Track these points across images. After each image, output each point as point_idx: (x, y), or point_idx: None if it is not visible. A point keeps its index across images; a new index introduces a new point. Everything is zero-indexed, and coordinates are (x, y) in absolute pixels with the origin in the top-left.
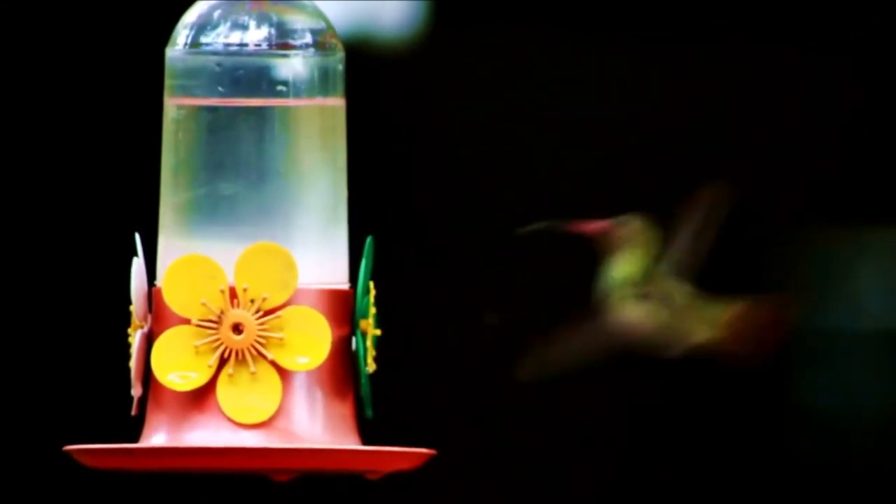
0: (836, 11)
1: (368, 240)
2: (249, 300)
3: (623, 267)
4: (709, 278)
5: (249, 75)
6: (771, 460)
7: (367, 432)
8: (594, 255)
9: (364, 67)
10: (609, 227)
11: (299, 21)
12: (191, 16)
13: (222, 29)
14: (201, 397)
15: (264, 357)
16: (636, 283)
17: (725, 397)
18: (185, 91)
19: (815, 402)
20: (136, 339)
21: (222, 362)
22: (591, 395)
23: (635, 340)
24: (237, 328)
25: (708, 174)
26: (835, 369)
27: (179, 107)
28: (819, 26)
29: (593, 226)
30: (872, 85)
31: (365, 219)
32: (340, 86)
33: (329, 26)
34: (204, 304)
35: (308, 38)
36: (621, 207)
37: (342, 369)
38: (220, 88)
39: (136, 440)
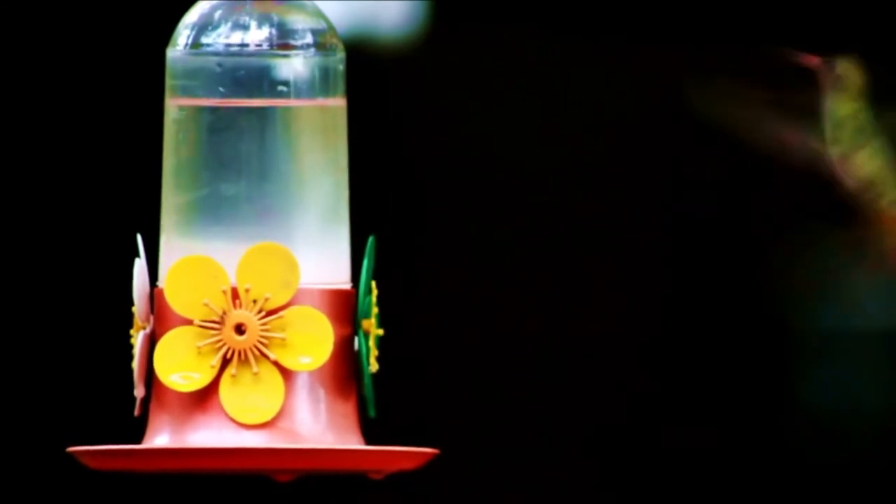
0: (837, 11)
1: (370, 239)
2: (252, 300)
3: (845, 107)
4: (709, 278)
5: (250, 76)
6: (771, 460)
7: (370, 432)
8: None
9: (365, 67)
10: (821, 64)
11: (300, 21)
12: (191, 16)
13: (223, 29)
14: (204, 398)
15: (267, 357)
16: (859, 128)
17: (725, 397)
18: (186, 91)
19: (815, 402)
20: (138, 340)
21: (225, 363)
22: (592, 394)
23: (845, 185)
24: (239, 328)
25: (707, 174)
26: (835, 369)
27: (180, 107)
28: (818, 26)
29: (811, 61)
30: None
31: (366, 218)
32: (341, 86)
33: (330, 26)
34: (206, 305)
35: (309, 39)
36: (621, 207)
37: (345, 369)
38: (220, 89)
39: (138, 441)
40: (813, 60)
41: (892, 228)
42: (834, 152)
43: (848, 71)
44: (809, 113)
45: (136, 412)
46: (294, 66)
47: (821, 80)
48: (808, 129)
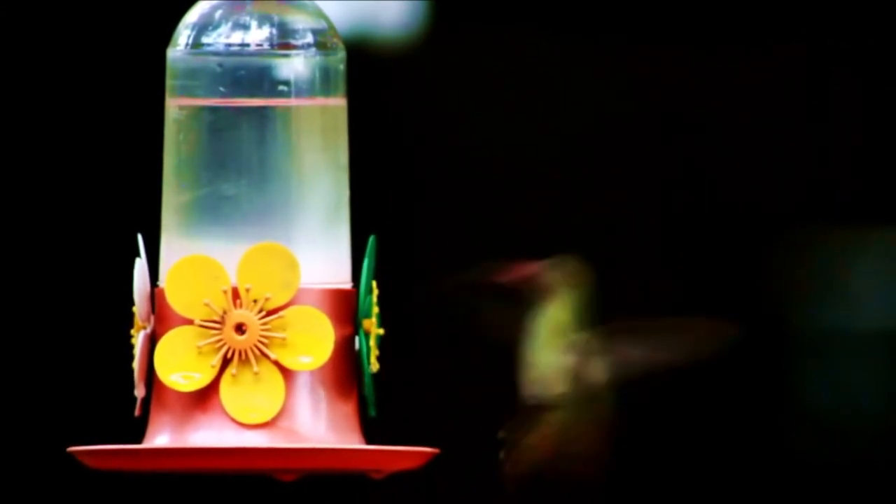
0: (836, 11)
1: (371, 239)
2: (252, 300)
3: (555, 313)
4: (709, 278)
5: (251, 75)
6: (771, 460)
7: (371, 432)
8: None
9: (365, 67)
10: (538, 271)
11: (300, 21)
12: (192, 16)
13: (223, 29)
14: (204, 398)
15: (267, 357)
16: (565, 333)
17: (725, 397)
18: (187, 91)
19: (815, 402)
20: (138, 339)
21: (225, 362)
22: None
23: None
24: (240, 328)
25: (707, 173)
26: (835, 369)
27: (181, 107)
28: (818, 26)
29: (523, 271)
30: (872, 85)
31: (367, 218)
32: (342, 85)
33: (330, 26)
34: (207, 305)
35: (309, 38)
36: (621, 206)
37: (345, 369)
38: (221, 89)
39: (139, 441)
40: (527, 270)
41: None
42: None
43: (567, 274)
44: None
45: (137, 412)
46: (294, 66)
47: (536, 286)
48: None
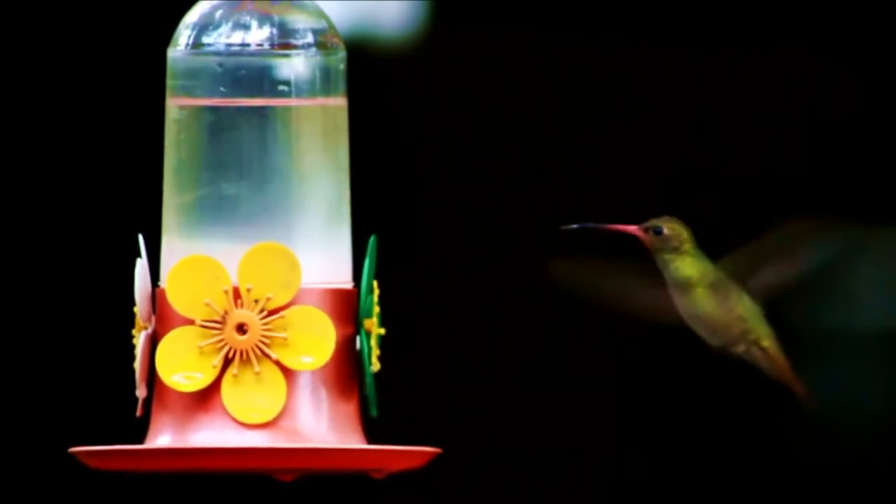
0: (836, 11)
1: (372, 239)
2: (253, 300)
3: (684, 266)
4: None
5: (251, 75)
6: (771, 460)
7: (372, 431)
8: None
9: (366, 67)
10: (639, 231)
11: (301, 21)
12: (192, 16)
13: (224, 29)
14: (206, 398)
15: (269, 357)
16: (700, 279)
17: (725, 397)
18: (187, 91)
19: (816, 402)
20: (140, 340)
21: (227, 363)
22: (592, 394)
23: (698, 329)
24: (241, 328)
25: (706, 172)
26: (835, 369)
27: (181, 107)
28: (818, 26)
29: (627, 229)
30: (872, 84)
31: (368, 218)
32: (342, 85)
33: (330, 26)
34: (208, 305)
35: (310, 38)
36: (621, 206)
37: (346, 368)
38: (221, 88)
39: (141, 441)
40: (629, 229)
41: (782, 366)
42: (685, 312)
43: (674, 230)
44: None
45: (138, 412)
46: (295, 66)
47: (649, 245)
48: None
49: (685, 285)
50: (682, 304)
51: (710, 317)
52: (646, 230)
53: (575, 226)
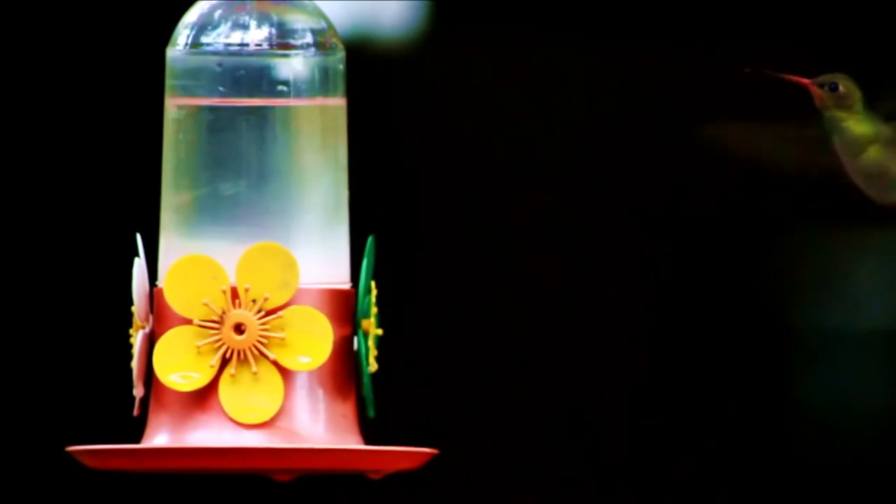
0: (835, 11)
1: (370, 239)
2: (251, 300)
3: (858, 124)
4: (709, 278)
5: (250, 75)
6: (771, 460)
7: (369, 432)
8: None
9: (365, 67)
10: (813, 85)
11: (300, 21)
12: (191, 16)
13: (223, 29)
14: (203, 398)
15: (266, 357)
16: (877, 136)
17: (725, 397)
18: (186, 91)
19: (815, 402)
20: (137, 339)
21: (224, 362)
22: (592, 394)
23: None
24: (239, 328)
25: (705, 171)
26: (835, 369)
27: (180, 107)
28: (815, 26)
29: (801, 80)
30: (872, 84)
31: (366, 218)
32: (341, 85)
33: (330, 26)
34: (205, 305)
35: (309, 38)
36: (621, 206)
37: (344, 369)
38: (220, 88)
39: (138, 441)
40: (803, 81)
41: None
42: (859, 171)
43: (849, 88)
44: (817, 139)
45: (136, 412)
46: (294, 66)
47: (820, 102)
48: (821, 154)
49: (859, 143)
50: (854, 162)
51: (888, 172)
52: (820, 85)
53: (748, 70)
